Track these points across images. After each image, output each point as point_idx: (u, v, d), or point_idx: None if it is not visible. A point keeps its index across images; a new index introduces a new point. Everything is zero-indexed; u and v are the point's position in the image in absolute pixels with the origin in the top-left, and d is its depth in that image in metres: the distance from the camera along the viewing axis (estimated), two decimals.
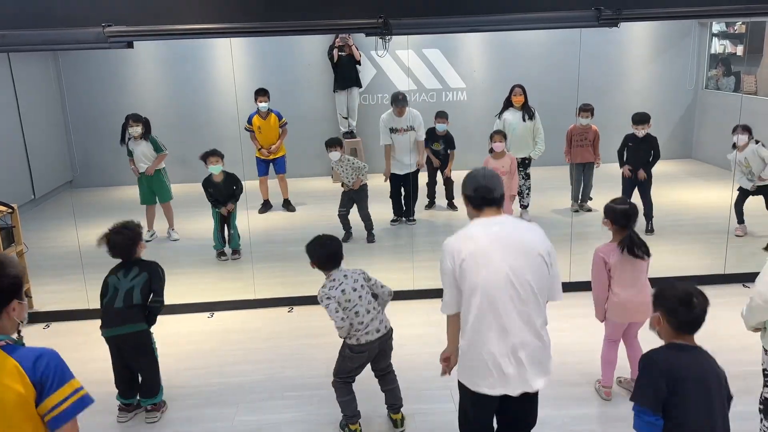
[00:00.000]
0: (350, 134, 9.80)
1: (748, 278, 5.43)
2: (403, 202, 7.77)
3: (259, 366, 4.68)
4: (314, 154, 10.04)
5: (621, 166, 7.12)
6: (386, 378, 3.80)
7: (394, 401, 3.81)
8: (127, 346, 3.95)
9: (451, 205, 8.28)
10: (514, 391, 2.81)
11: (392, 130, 7.48)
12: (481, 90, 10.31)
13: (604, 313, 4.03)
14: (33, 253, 5.96)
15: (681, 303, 2.51)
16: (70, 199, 9.05)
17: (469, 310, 2.79)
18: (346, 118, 9.85)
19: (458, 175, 8.64)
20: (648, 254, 3.88)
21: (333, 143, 6.97)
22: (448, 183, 8.16)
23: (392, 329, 3.72)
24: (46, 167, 9.09)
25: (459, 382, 2.96)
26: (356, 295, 3.57)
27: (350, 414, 3.79)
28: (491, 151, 6.89)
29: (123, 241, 3.92)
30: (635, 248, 3.83)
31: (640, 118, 6.90)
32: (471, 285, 2.76)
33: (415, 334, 4.78)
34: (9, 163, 8.19)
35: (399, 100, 7.39)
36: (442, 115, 7.84)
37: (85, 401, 2.03)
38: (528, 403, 2.95)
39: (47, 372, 1.96)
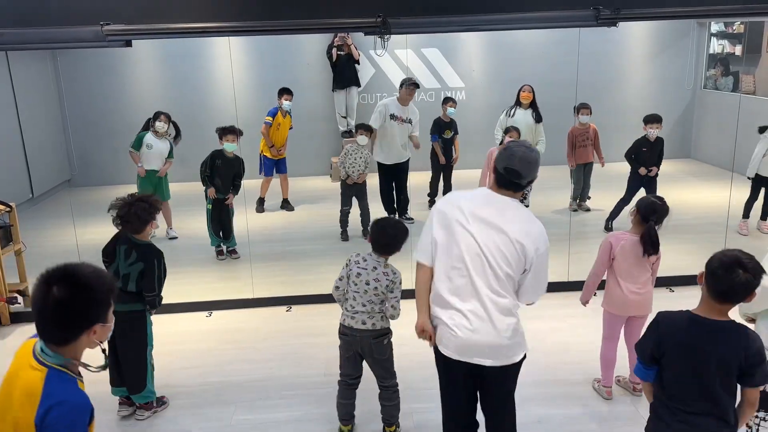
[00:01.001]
0: (349, 133, 9.79)
1: None
2: (395, 196, 7.57)
3: (257, 365, 4.67)
4: (313, 154, 10.05)
5: (633, 168, 6.99)
6: (384, 393, 3.75)
7: (387, 417, 3.78)
8: (117, 325, 3.88)
9: None
10: (460, 357, 2.84)
11: (392, 116, 7.26)
12: (479, 89, 10.31)
13: (588, 297, 4.08)
14: (31, 252, 5.94)
15: (722, 267, 2.38)
16: (68, 198, 9.03)
17: (440, 270, 2.85)
18: (345, 117, 9.85)
19: (458, 175, 8.64)
20: (654, 252, 3.87)
21: (365, 127, 6.95)
22: (449, 182, 8.16)
23: (386, 333, 3.63)
24: (44, 166, 9.08)
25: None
26: (363, 288, 3.54)
27: (342, 416, 3.79)
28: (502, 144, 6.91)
29: (142, 213, 3.77)
30: (646, 245, 3.84)
31: (654, 119, 6.80)
32: (450, 242, 2.82)
33: (414, 333, 4.77)
34: (7, 162, 8.18)
35: (411, 84, 7.20)
36: (449, 100, 7.85)
37: None
38: (493, 386, 2.96)
39: (51, 424, 1.84)
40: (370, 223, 3.68)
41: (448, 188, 8.16)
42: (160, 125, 7.02)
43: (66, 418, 1.86)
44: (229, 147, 6.48)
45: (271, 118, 8.04)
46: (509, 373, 2.94)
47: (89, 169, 9.78)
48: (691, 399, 2.48)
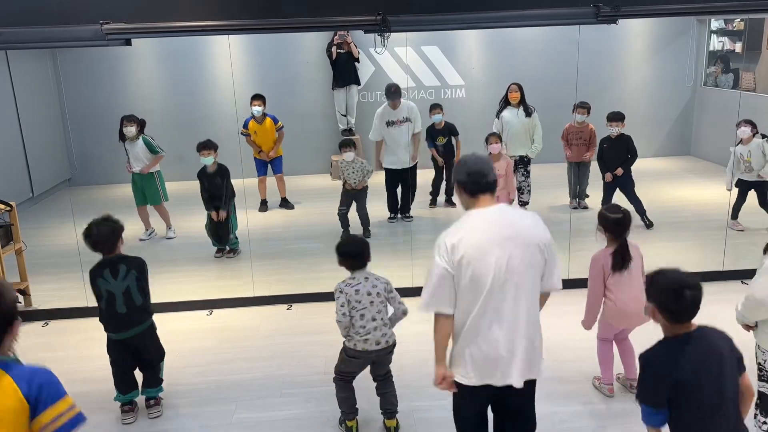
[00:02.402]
0: (349, 132, 9.79)
1: (746, 275, 5.44)
2: (399, 198, 7.74)
3: (257, 363, 4.68)
4: (312, 152, 10.04)
5: (602, 171, 7.10)
6: (382, 383, 3.79)
7: (388, 406, 3.79)
8: (135, 344, 3.98)
9: (450, 202, 8.29)
10: (499, 382, 2.79)
11: (389, 123, 7.45)
12: (479, 87, 10.31)
13: (592, 324, 4.02)
14: (31, 251, 5.95)
15: (671, 294, 2.43)
16: (68, 197, 9.03)
17: (470, 305, 2.75)
18: (345, 116, 9.84)
19: None
20: (625, 265, 3.84)
21: (348, 144, 6.97)
22: (450, 182, 8.18)
23: (395, 344, 3.69)
24: (44, 165, 9.09)
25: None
26: (368, 300, 3.57)
27: (347, 410, 3.79)
28: (489, 154, 6.90)
29: (107, 233, 3.84)
30: (622, 260, 3.82)
31: (614, 116, 6.95)
32: (473, 278, 2.70)
33: (414, 331, 4.76)
34: (7, 161, 8.18)
35: (392, 93, 7.37)
36: (435, 107, 7.86)
37: (79, 418, 2.04)
38: (521, 403, 2.94)
39: (42, 388, 1.97)
40: (336, 248, 3.70)
41: (449, 188, 8.22)
42: (126, 130, 7.08)
43: (47, 377, 2.01)
44: (206, 161, 6.54)
45: (244, 129, 8.10)
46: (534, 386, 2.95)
47: (89, 168, 9.79)
48: (711, 419, 2.46)
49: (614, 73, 10.36)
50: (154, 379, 4.11)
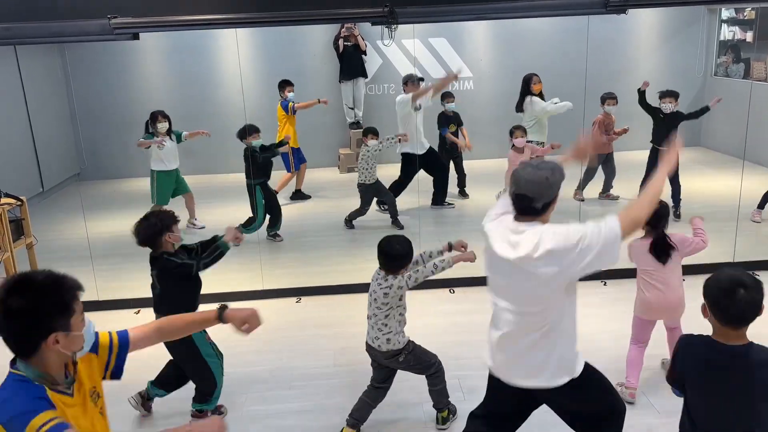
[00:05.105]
0: (356, 125, 9.78)
1: (757, 266, 5.41)
2: (439, 184, 7.81)
3: (267, 356, 4.70)
4: (320, 146, 10.03)
5: (656, 145, 7.00)
6: (428, 380, 3.73)
7: (435, 402, 3.75)
8: (170, 351, 3.85)
9: (463, 193, 8.25)
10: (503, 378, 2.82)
11: (415, 109, 7.51)
12: (487, 79, 10.25)
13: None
14: (42, 246, 5.99)
15: (724, 293, 2.29)
16: (78, 192, 9.08)
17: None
18: (353, 109, 9.83)
19: (468, 165, 8.62)
20: (667, 257, 3.80)
21: (372, 131, 7.16)
22: (461, 170, 8.17)
23: (396, 353, 3.58)
24: (54, 160, 9.13)
25: None
26: (370, 297, 3.60)
27: (350, 413, 3.72)
28: (513, 146, 6.93)
29: (144, 229, 3.69)
30: (661, 252, 3.78)
31: (668, 93, 6.94)
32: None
33: (425, 323, 4.78)
34: (17, 156, 8.22)
35: (418, 80, 7.58)
36: (448, 95, 7.91)
37: (60, 427, 1.78)
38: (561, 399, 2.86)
39: (12, 420, 1.77)
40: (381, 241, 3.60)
41: (461, 177, 8.24)
42: (160, 126, 6.93)
43: (23, 411, 1.78)
44: (256, 143, 6.69)
45: (293, 104, 8.09)
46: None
47: (98, 163, 9.83)
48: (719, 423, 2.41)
49: (624, 64, 10.26)
50: (197, 393, 3.91)
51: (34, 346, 1.84)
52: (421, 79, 7.74)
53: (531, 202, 2.57)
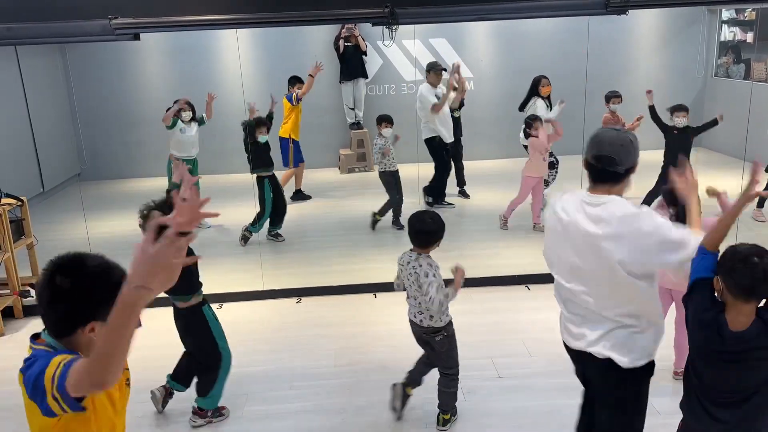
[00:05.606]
0: (357, 125, 9.78)
1: None
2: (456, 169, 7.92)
3: (267, 356, 4.70)
4: (320, 146, 10.03)
5: (667, 162, 6.92)
6: (442, 379, 3.76)
7: (442, 405, 3.77)
8: (179, 321, 3.82)
9: (463, 193, 8.23)
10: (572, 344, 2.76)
11: (438, 97, 7.53)
12: (488, 79, 10.26)
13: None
14: (42, 246, 5.98)
15: (739, 259, 2.25)
16: (78, 192, 9.08)
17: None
18: (353, 109, 9.84)
19: (467, 166, 8.62)
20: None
21: (386, 119, 6.96)
22: (460, 167, 8.15)
23: (437, 331, 3.59)
24: (54, 160, 9.14)
25: None
26: (407, 280, 3.59)
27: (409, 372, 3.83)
28: (528, 136, 6.95)
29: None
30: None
31: (679, 107, 6.88)
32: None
33: None
34: (18, 156, 8.23)
35: (441, 69, 7.62)
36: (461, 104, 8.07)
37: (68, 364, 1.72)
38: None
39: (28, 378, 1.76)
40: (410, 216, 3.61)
41: (459, 169, 8.18)
42: (185, 114, 7.02)
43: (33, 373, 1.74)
44: (262, 138, 6.66)
45: (296, 94, 8.06)
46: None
47: (99, 163, 9.84)
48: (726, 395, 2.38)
49: (624, 65, 10.27)
50: (198, 383, 3.93)
51: (71, 330, 1.80)
52: (444, 69, 7.75)
53: (615, 165, 2.43)
